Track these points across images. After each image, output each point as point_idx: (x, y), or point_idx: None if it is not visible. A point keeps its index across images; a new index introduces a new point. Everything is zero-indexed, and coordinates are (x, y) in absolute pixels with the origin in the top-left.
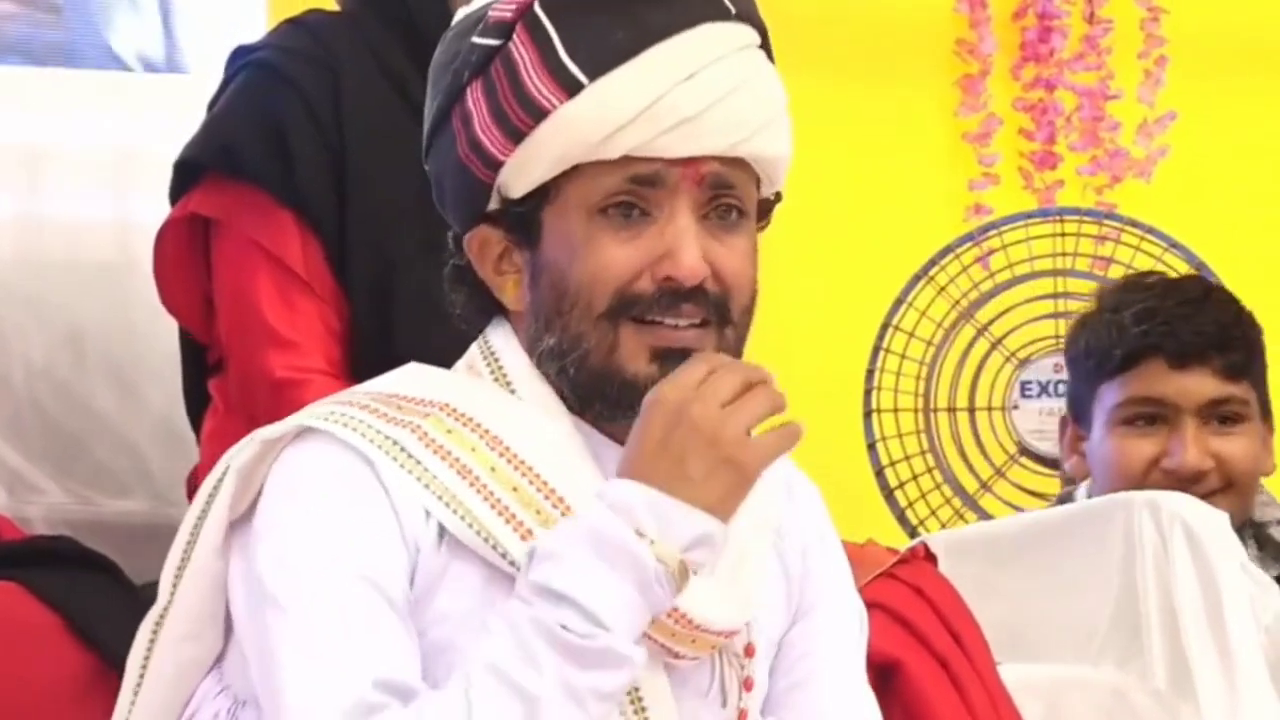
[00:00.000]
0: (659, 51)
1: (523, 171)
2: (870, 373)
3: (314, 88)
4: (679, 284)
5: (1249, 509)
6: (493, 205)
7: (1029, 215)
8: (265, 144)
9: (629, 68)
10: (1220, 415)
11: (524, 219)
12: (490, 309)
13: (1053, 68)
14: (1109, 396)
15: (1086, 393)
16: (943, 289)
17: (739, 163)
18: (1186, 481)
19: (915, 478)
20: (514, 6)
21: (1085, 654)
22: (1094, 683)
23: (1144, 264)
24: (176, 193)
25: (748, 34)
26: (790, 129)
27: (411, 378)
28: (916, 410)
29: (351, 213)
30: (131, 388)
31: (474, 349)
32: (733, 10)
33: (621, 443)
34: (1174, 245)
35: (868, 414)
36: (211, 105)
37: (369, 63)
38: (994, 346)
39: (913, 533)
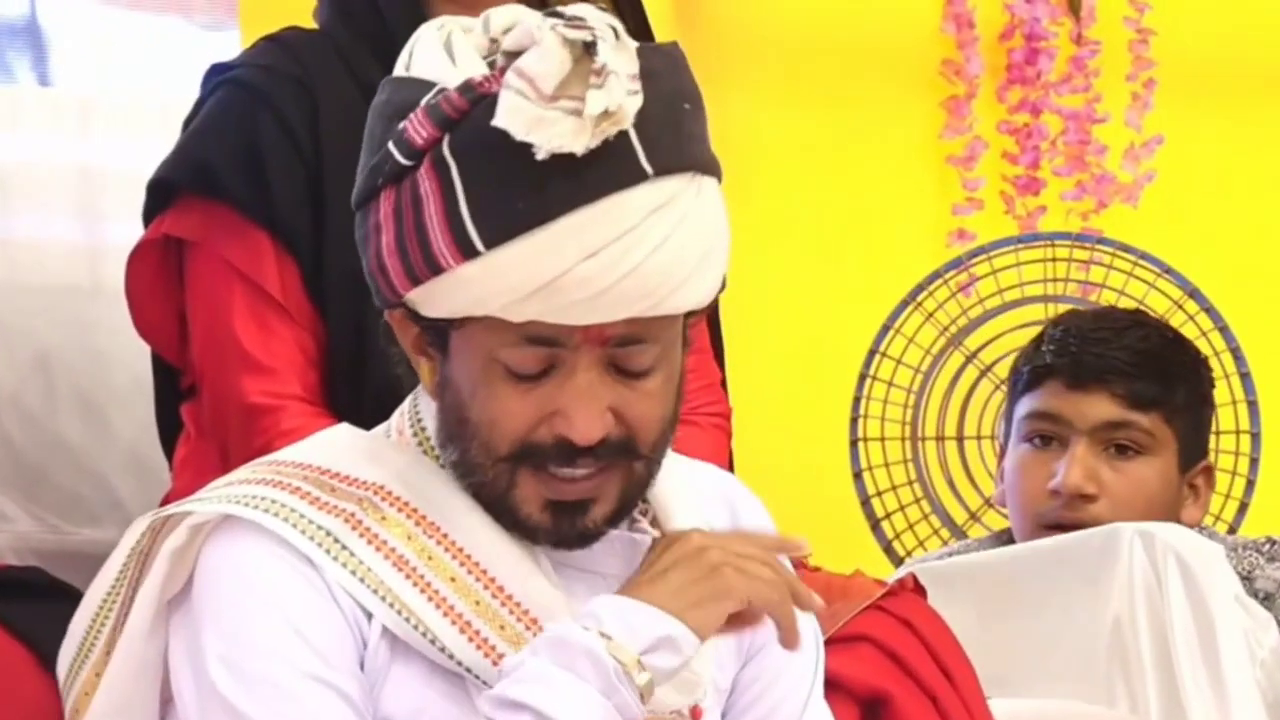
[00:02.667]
0: (562, 226)
1: (424, 304)
2: (857, 400)
3: (291, 107)
4: (573, 443)
5: None
6: (404, 305)
7: (1020, 240)
8: (241, 164)
9: (529, 241)
10: (1116, 442)
11: (436, 330)
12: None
13: (1039, 90)
14: (1017, 413)
15: (1007, 412)
16: (931, 315)
17: (650, 319)
18: (1072, 504)
19: (903, 508)
20: (424, 135)
21: (1077, 687)
22: (1086, 717)
23: (1136, 290)
24: (150, 214)
25: (667, 190)
26: (724, 258)
27: (342, 449)
28: (904, 439)
29: (328, 236)
30: (100, 414)
31: (404, 410)
32: (650, 171)
33: None
34: (1166, 270)
35: (854, 442)
36: (187, 125)
37: (346, 81)
38: (983, 374)
39: (899, 564)
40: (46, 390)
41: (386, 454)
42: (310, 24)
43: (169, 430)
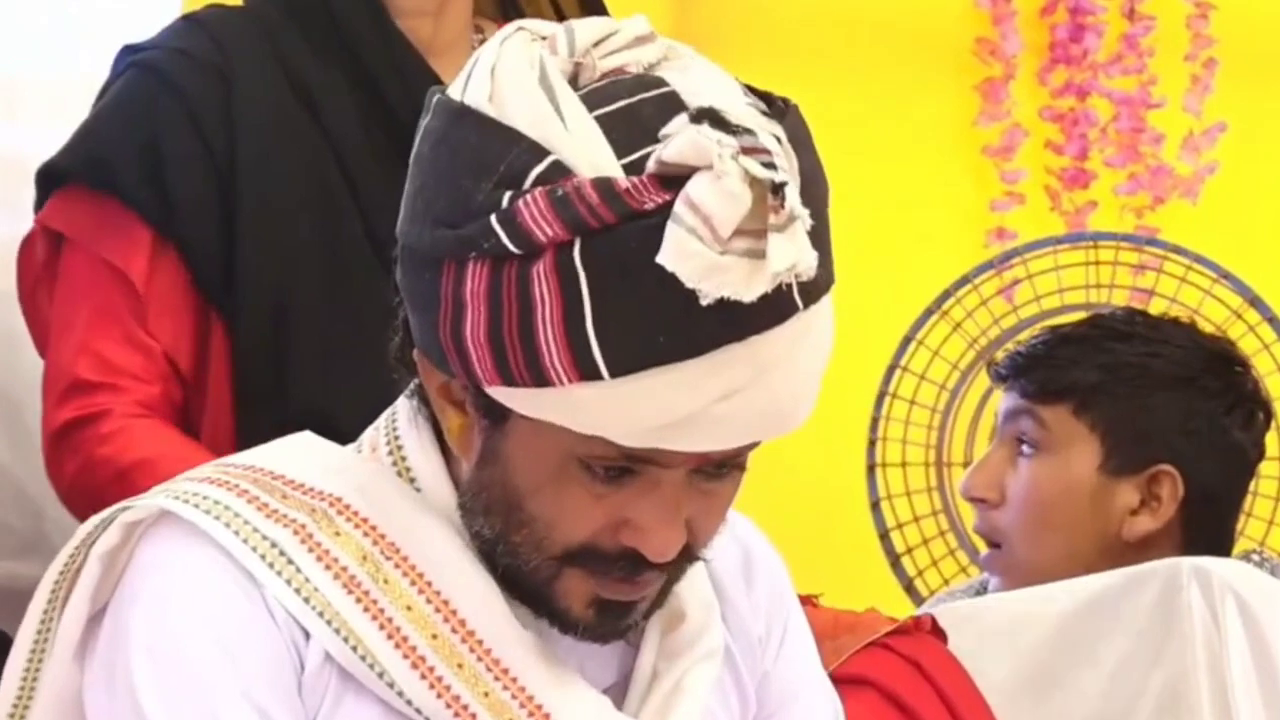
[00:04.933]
0: (705, 363)
1: (506, 398)
2: (875, 421)
3: (201, 93)
4: (643, 557)
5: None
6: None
7: (1058, 240)
8: (138, 156)
9: (664, 375)
10: (1018, 438)
11: (492, 404)
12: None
13: (1086, 71)
14: None
15: None
16: (958, 325)
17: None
18: (980, 514)
19: (925, 542)
20: (550, 231)
21: None
22: None
23: (1190, 297)
24: (40, 205)
25: (809, 321)
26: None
27: (301, 455)
28: (927, 465)
29: (242, 240)
30: (26, 433)
31: (380, 425)
32: (800, 306)
33: None
34: (1224, 276)
35: (871, 468)
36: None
37: (270, 67)
38: None
39: (921, 604)
40: None
41: (352, 467)
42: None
43: None
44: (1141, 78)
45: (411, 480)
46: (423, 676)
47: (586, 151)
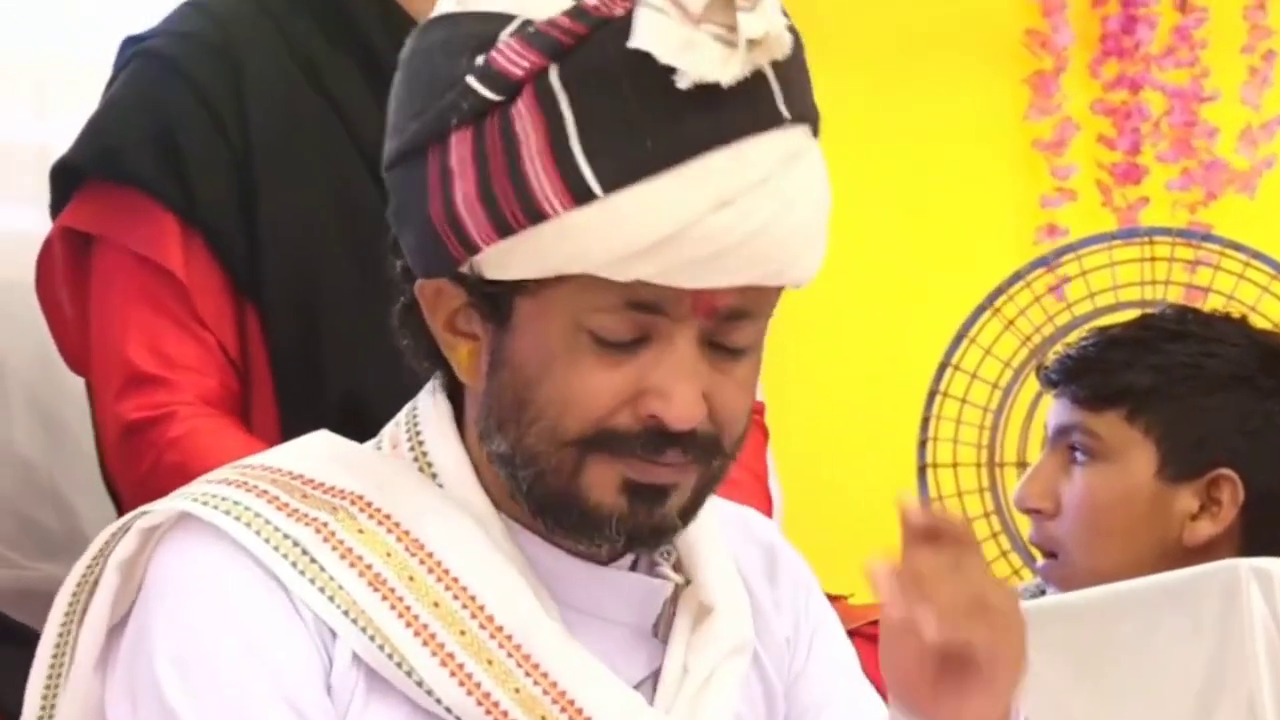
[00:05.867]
0: (694, 169)
1: (505, 263)
2: (926, 421)
3: (211, 78)
4: (666, 426)
5: (1104, 560)
6: (462, 269)
7: (1113, 236)
8: (152, 144)
9: (655, 184)
10: (1070, 445)
11: (494, 297)
12: (433, 359)
13: (1139, 64)
14: None
15: None
16: (1011, 322)
17: (762, 289)
18: (1035, 524)
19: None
20: (525, 64)
21: None
22: None
23: (1247, 294)
24: (57, 205)
25: (798, 137)
26: (826, 232)
27: (321, 454)
28: (979, 465)
29: (262, 222)
30: (59, 432)
31: (400, 420)
32: (787, 115)
33: (565, 547)
34: None
35: (922, 469)
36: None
37: (279, 49)
38: None
39: None
40: None
41: (372, 464)
42: None
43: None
44: (1194, 70)
45: (434, 475)
46: (452, 674)
47: (553, 5)
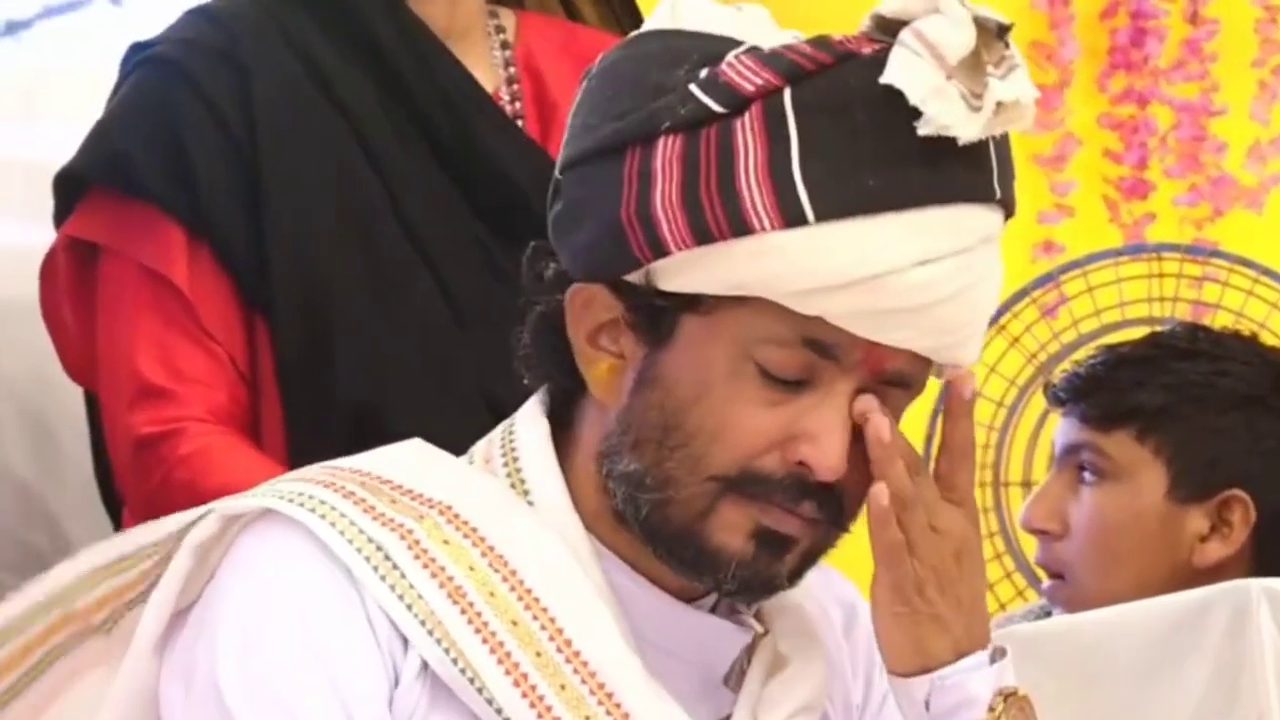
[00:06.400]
0: (909, 219)
1: (689, 273)
2: (928, 439)
3: (218, 85)
4: (810, 475)
5: (1112, 582)
6: (631, 278)
7: (1119, 252)
8: (160, 152)
9: (868, 224)
10: (1079, 465)
11: (659, 312)
12: (561, 374)
13: (1147, 77)
14: None
15: None
16: (1016, 340)
17: (925, 362)
18: (1042, 545)
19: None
20: (759, 80)
21: None
22: None
23: (1256, 311)
24: (61, 214)
25: (998, 222)
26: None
27: (411, 461)
28: (984, 484)
29: (271, 231)
30: (51, 448)
31: (494, 438)
32: (998, 194)
33: (652, 580)
34: None
35: None
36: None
37: (284, 54)
38: None
39: None
40: None
41: (463, 476)
42: None
43: (111, 484)
44: (1204, 84)
45: (526, 493)
46: (524, 695)
47: (781, 37)
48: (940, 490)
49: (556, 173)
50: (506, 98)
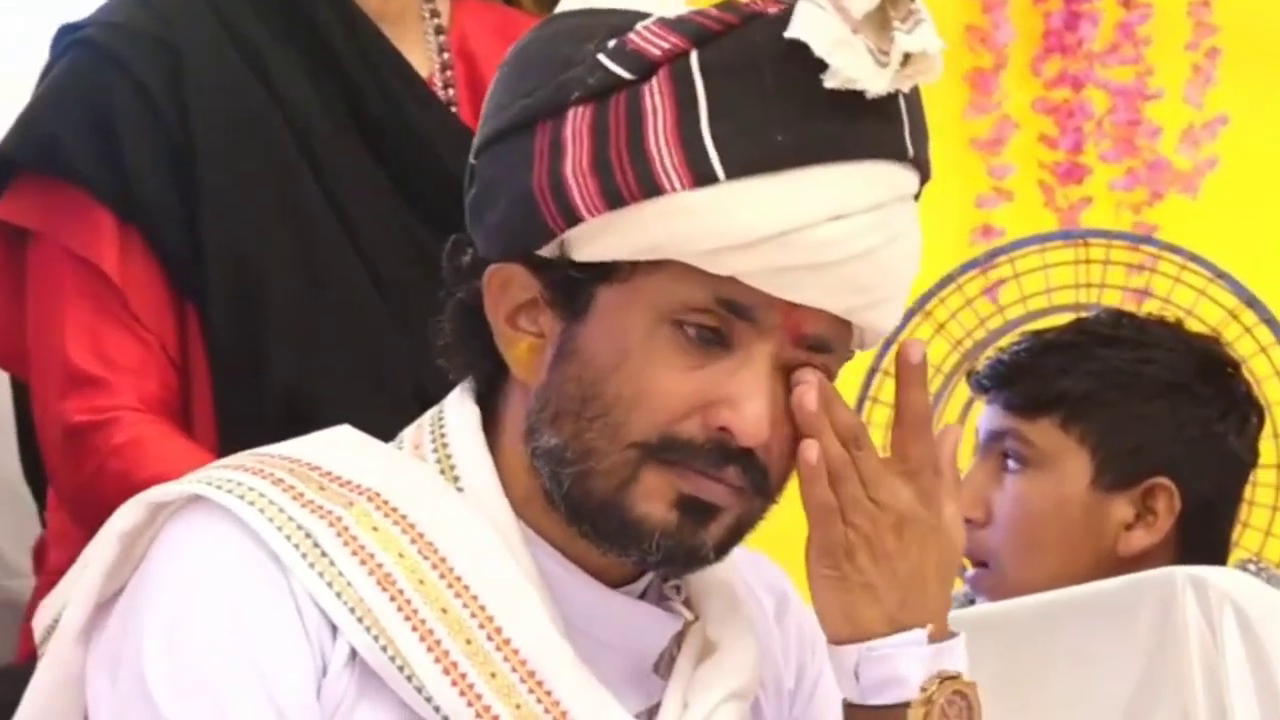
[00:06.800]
0: (819, 174)
1: (602, 239)
2: (861, 401)
3: (149, 69)
4: (732, 440)
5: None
6: (545, 252)
7: (1047, 238)
8: (89, 136)
9: (777, 180)
10: (1002, 453)
11: (575, 284)
12: (484, 359)
13: (1081, 61)
14: None
15: None
16: (942, 326)
17: (845, 325)
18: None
19: None
20: (665, 45)
21: None
22: None
23: (1184, 298)
24: None
25: (913, 182)
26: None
27: (341, 448)
28: None
29: (203, 219)
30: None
31: (424, 423)
32: (910, 152)
33: (582, 566)
34: (1220, 275)
35: None
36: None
37: (219, 39)
38: None
39: None
40: None
41: (393, 462)
42: None
43: (36, 461)
44: (1138, 68)
45: (455, 479)
46: (454, 683)
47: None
48: (894, 462)
49: (471, 158)
50: (440, 83)
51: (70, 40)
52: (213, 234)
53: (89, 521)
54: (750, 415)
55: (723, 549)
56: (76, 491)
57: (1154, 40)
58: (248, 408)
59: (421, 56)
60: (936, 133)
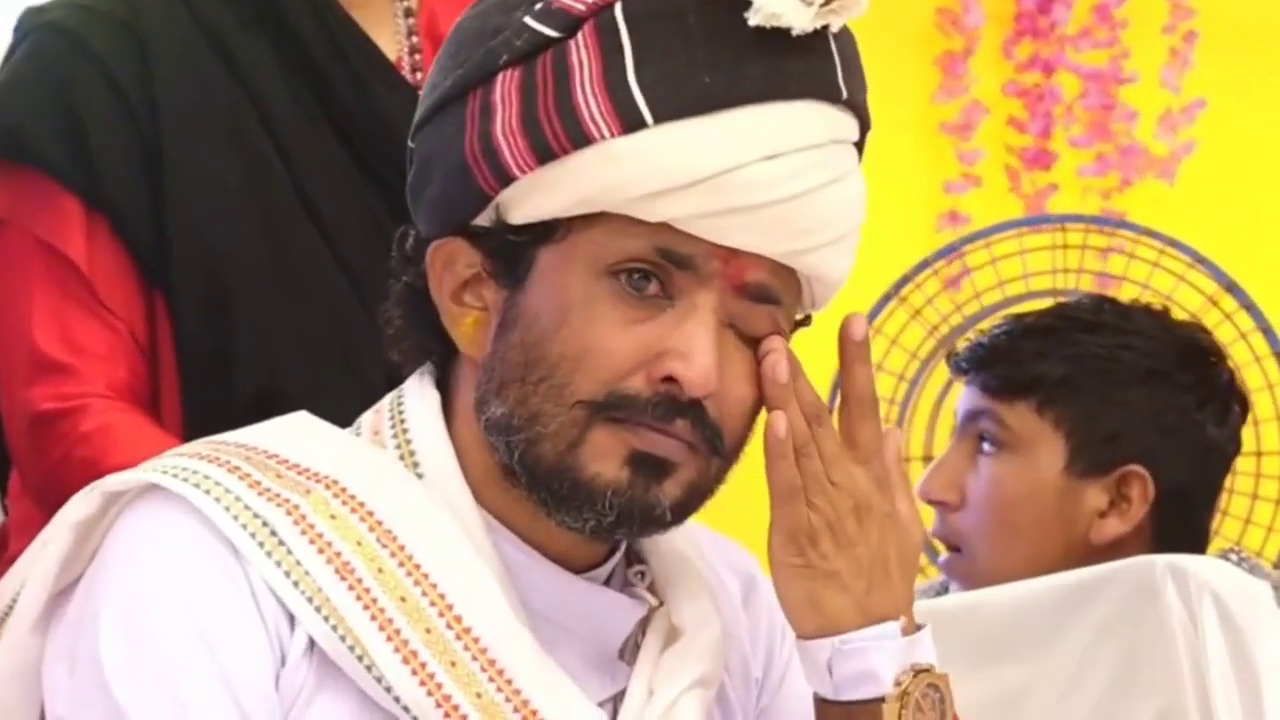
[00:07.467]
0: (749, 114)
1: (535, 197)
2: (830, 413)
3: (116, 54)
4: (680, 392)
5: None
6: (482, 221)
7: (1024, 223)
8: (54, 122)
9: (707, 122)
10: (979, 435)
11: (514, 250)
12: (432, 343)
13: (1054, 45)
14: None
15: None
16: (918, 312)
17: (790, 275)
18: (939, 516)
19: None
20: (588, 1)
21: None
22: None
23: (1162, 283)
24: None
25: (850, 126)
26: (855, 254)
27: (298, 435)
28: None
29: (170, 206)
30: None
31: (382, 407)
32: (844, 94)
33: (544, 552)
34: (1199, 260)
35: None
36: None
37: (186, 24)
38: None
39: None
40: None
41: (350, 449)
42: None
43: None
44: (1113, 51)
45: (415, 465)
46: (414, 672)
47: None
48: (845, 447)
49: (409, 142)
50: (408, 66)
51: (36, 23)
52: (179, 225)
53: (56, 509)
54: (697, 364)
55: (680, 510)
56: (43, 479)
57: (1130, 23)
58: (216, 399)
59: (390, 40)
60: (906, 117)
